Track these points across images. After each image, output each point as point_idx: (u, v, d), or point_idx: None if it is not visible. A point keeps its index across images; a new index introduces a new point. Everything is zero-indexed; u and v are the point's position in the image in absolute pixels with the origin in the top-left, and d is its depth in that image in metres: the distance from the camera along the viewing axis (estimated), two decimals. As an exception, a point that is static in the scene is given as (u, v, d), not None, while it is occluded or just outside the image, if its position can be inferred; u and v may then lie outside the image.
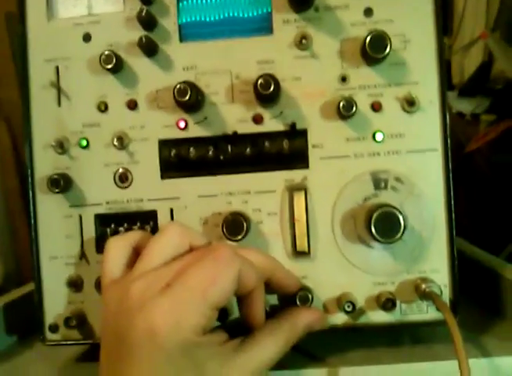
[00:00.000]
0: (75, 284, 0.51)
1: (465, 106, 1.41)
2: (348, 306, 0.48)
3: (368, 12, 0.50)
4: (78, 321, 0.50)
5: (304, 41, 0.50)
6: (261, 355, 0.41)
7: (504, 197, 1.01)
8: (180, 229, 0.43)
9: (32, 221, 0.52)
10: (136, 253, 0.44)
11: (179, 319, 0.37)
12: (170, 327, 0.36)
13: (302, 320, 0.45)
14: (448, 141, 0.50)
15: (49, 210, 0.52)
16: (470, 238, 0.73)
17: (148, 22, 0.50)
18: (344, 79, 0.50)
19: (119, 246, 0.44)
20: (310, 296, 0.48)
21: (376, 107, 0.50)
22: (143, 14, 0.49)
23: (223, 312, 0.48)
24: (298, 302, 0.48)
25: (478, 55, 1.62)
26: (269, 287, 0.46)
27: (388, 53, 0.48)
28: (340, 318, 0.50)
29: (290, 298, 0.48)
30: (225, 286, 0.39)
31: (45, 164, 0.52)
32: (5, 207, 1.19)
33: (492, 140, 1.11)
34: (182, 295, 0.37)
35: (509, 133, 1.09)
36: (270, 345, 0.42)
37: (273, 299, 0.49)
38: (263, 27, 0.51)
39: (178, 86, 0.47)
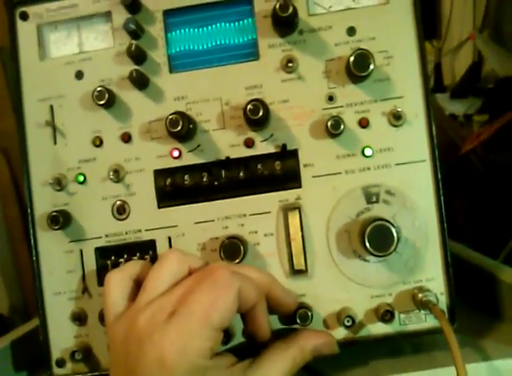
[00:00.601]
0: (79, 318, 0.52)
1: (457, 107, 1.42)
2: (348, 321, 0.49)
3: (351, 31, 0.52)
4: (84, 354, 0.51)
5: (290, 64, 0.51)
6: None
7: (501, 196, 1.01)
8: (178, 255, 0.44)
9: (34, 258, 0.53)
10: (137, 284, 0.45)
11: (186, 345, 0.38)
12: (178, 354, 0.37)
13: (310, 344, 0.46)
14: (436, 152, 0.51)
15: (50, 246, 0.53)
16: (468, 239, 0.74)
17: (138, 56, 0.51)
18: (331, 98, 0.52)
19: (119, 280, 0.45)
20: (310, 314, 0.49)
21: (363, 123, 0.51)
22: (133, 49, 0.50)
23: (226, 335, 0.49)
24: (298, 321, 0.48)
25: (468, 56, 1.64)
26: (268, 305, 0.46)
27: (372, 70, 0.49)
28: (340, 333, 0.50)
29: (290, 317, 0.49)
30: (227, 307, 0.40)
31: (43, 201, 0.53)
32: (7, 237, 1.20)
33: (486, 140, 1.12)
34: (186, 322, 0.39)
35: (502, 132, 1.09)
36: (278, 367, 0.43)
37: (275, 321, 0.50)
38: (249, 52, 0.52)
39: (169, 117, 0.49)
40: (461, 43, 1.65)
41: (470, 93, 1.47)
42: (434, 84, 1.69)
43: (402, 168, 0.51)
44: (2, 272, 1.14)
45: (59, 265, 0.53)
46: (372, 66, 0.49)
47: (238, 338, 0.49)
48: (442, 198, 0.50)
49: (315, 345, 0.46)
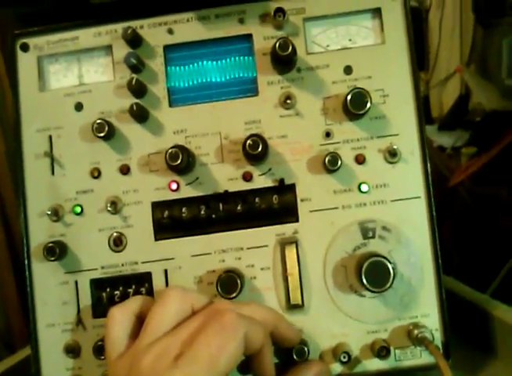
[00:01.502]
0: (72, 351, 0.52)
1: (445, 139, 1.44)
2: (344, 357, 0.49)
3: (347, 70, 0.53)
4: (77, 387, 0.51)
5: (288, 100, 0.52)
6: None
7: (488, 228, 1.03)
8: (181, 293, 0.44)
9: (28, 289, 0.52)
10: (139, 321, 0.44)
11: None
12: None
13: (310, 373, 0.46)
14: (431, 188, 0.52)
15: (45, 277, 0.53)
16: (456, 270, 0.75)
17: (138, 90, 0.52)
18: (328, 134, 0.52)
19: (121, 316, 0.44)
20: (306, 349, 0.49)
21: (360, 160, 0.52)
22: (133, 82, 0.51)
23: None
24: (295, 356, 0.48)
25: (455, 88, 1.68)
26: (272, 340, 0.46)
27: (369, 108, 0.50)
28: (336, 368, 0.50)
29: (286, 352, 0.49)
30: (234, 352, 0.39)
31: (39, 232, 0.53)
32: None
33: (474, 173, 1.13)
34: (193, 366, 0.38)
35: (490, 166, 1.11)
36: None
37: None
38: (249, 89, 0.53)
39: (169, 151, 0.49)
40: (449, 76, 1.69)
41: (458, 126, 1.49)
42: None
43: (397, 204, 0.52)
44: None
45: (53, 296, 0.52)
46: (368, 105, 0.50)
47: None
48: (437, 235, 0.51)
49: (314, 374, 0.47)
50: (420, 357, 0.51)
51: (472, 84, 1.55)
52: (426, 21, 1.80)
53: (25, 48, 0.55)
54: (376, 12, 0.53)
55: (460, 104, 1.59)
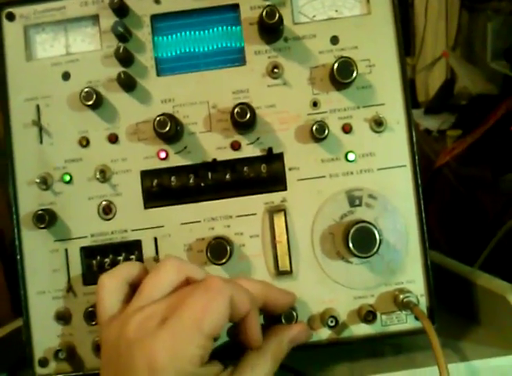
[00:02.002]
0: (63, 317, 0.52)
1: (431, 123, 1.45)
2: (331, 321, 0.50)
3: (334, 40, 0.53)
4: (68, 353, 0.51)
5: (275, 70, 0.53)
6: None
7: (473, 208, 1.04)
8: (177, 263, 0.44)
9: (18, 257, 0.53)
10: (131, 287, 0.45)
11: (177, 351, 0.38)
12: (169, 360, 0.37)
13: (287, 336, 0.47)
14: (416, 157, 0.53)
15: (35, 245, 0.53)
16: (442, 249, 0.76)
17: (125, 58, 0.52)
18: (315, 104, 0.53)
19: (112, 283, 0.45)
20: (294, 314, 0.49)
21: (346, 129, 0.53)
22: (121, 51, 0.51)
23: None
24: (284, 321, 0.49)
25: (441, 73, 1.69)
26: (266, 309, 0.47)
27: (355, 78, 0.51)
28: (324, 333, 0.51)
29: (275, 317, 0.49)
30: (219, 314, 0.40)
31: (29, 200, 0.53)
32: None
33: (459, 154, 1.15)
34: (178, 328, 0.39)
35: (474, 147, 1.12)
36: (260, 368, 0.44)
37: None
38: (236, 58, 0.53)
39: (157, 118, 0.49)
40: (434, 60, 1.70)
41: (444, 109, 1.51)
42: (408, 100, 1.73)
43: (383, 172, 0.52)
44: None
45: (43, 264, 0.52)
46: (355, 74, 0.51)
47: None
48: (422, 202, 0.52)
49: (290, 336, 0.47)
50: (405, 322, 0.52)
51: (458, 69, 1.57)
52: (412, 6, 1.80)
53: (11, 17, 0.54)
54: (363, -17, 0.54)
55: (446, 88, 1.61)
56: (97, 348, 0.51)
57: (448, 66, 1.64)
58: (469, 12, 1.57)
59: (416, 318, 0.50)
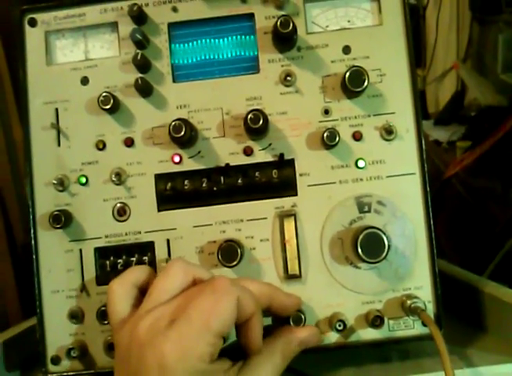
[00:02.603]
0: (76, 316, 0.53)
1: (441, 134, 1.46)
2: (339, 325, 0.51)
3: (346, 49, 0.55)
4: (80, 352, 0.52)
5: (288, 78, 0.54)
6: None
7: (482, 219, 1.04)
8: (184, 265, 0.45)
9: (34, 256, 0.54)
10: (140, 290, 0.46)
11: (186, 349, 0.39)
12: (178, 358, 0.38)
13: (296, 337, 0.48)
14: (425, 165, 0.53)
15: (50, 245, 0.54)
16: (452, 260, 0.76)
17: (143, 65, 0.54)
18: (326, 112, 0.54)
19: (121, 288, 0.46)
20: (303, 317, 0.50)
21: (357, 137, 0.54)
22: (138, 58, 0.52)
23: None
24: (292, 323, 0.50)
25: (451, 84, 1.70)
26: (272, 310, 0.48)
27: (366, 87, 0.52)
28: (332, 337, 0.52)
29: (284, 320, 0.50)
30: (226, 314, 0.41)
31: (46, 201, 0.54)
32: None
33: (468, 165, 1.15)
34: (187, 327, 0.40)
35: (483, 158, 1.13)
36: (268, 365, 0.45)
37: (267, 320, 0.51)
38: (250, 66, 0.55)
39: (173, 123, 0.50)
40: (445, 72, 1.71)
41: (454, 120, 1.51)
42: (418, 110, 1.74)
43: (393, 179, 0.53)
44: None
45: (58, 263, 0.54)
46: (366, 83, 0.52)
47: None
48: (431, 209, 0.53)
49: (300, 337, 0.48)
50: (412, 328, 0.52)
51: (468, 80, 1.58)
52: (423, 18, 1.82)
53: (33, 23, 0.56)
54: (375, -5, 0.55)
55: (456, 99, 1.61)
56: (109, 347, 0.51)
57: (458, 78, 1.65)
58: (480, 24, 1.58)
59: (424, 324, 0.51)
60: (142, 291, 0.46)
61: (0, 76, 1.32)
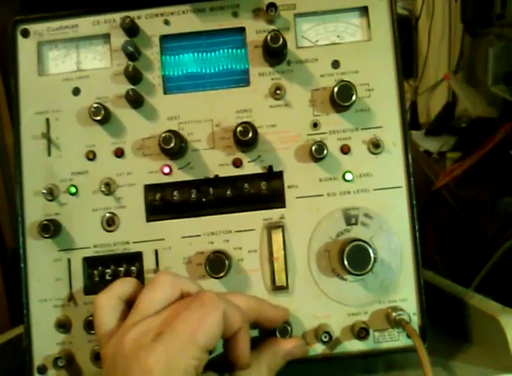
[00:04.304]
0: (63, 326, 0.53)
1: (432, 144, 1.47)
2: (325, 337, 0.51)
3: (335, 64, 0.55)
4: (67, 361, 0.52)
5: (278, 91, 0.55)
6: None
7: (470, 230, 1.05)
8: (171, 278, 0.45)
9: (22, 265, 0.54)
10: (126, 303, 0.46)
11: (172, 362, 0.39)
12: (164, 371, 0.39)
13: (282, 349, 0.48)
14: (412, 179, 0.54)
15: (39, 254, 0.54)
16: (438, 270, 0.77)
17: (134, 76, 0.54)
18: (315, 125, 0.55)
19: (107, 302, 0.46)
20: (289, 328, 0.51)
21: (345, 150, 0.54)
22: (130, 69, 0.53)
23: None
24: (278, 335, 0.50)
25: (443, 95, 1.72)
26: (259, 324, 0.49)
27: (354, 101, 0.53)
28: (317, 348, 0.53)
29: (270, 331, 0.51)
30: (212, 328, 0.41)
31: (35, 210, 0.54)
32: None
33: (458, 177, 1.16)
34: (172, 341, 0.40)
35: (473, 169, 1.14)
36: None
37: (254, 332, 0.51)
38: (241, 79, 0.56)
39: (163, 135, 0.51)
40: (436, 83, 1.73)
41: (444, 131, 1.53)
42: (409, 121, 1.75)
43: (379, 192, 0.54)
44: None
45: (46, 272, 0.54)
46: (354, 97, 0.53)
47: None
48: (416, 223, 0.54)
49: (286, 349, 0.49)
50: (397, 339, 0.53)
51: (459, 92, 1.59)
52: (415, 29, 1.84)
53: (25, 33, 0.56)
54: (364, 11, 0.56)
55: (447, 110, 1.63)
56: (95, 357, 0.52)
57: (449, 89, 1.67)
58: (471, 36, 1.60)
59: (408, 336, 0.51)
60: (129, 304, 0.46)
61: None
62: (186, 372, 0.39)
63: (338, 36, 0.56)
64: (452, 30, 1.72)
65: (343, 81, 0.53)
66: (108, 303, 0.46)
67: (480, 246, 0.98)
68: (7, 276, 1.30)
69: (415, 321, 0.53)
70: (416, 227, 0.53)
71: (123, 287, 0.47)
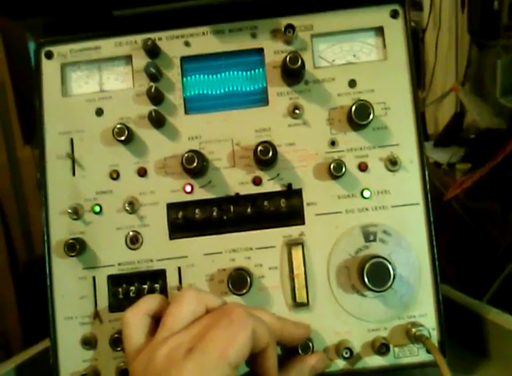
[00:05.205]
0: (89, 343, 0.54)
1: (441, 155, 1.48)
2: (346, 353, 0.52)
3: (352, 83, 0.57)
4: (92, 378, 0.53)
5: (296, 110, 0.56)
6: None
7: (482, 241, 1.06)
8: (196, 294, 0.46)
9: (48, 283, 0.55)
10: (153, 319, 0.47)
11: None
12: None
13: (307, 366, 0.49)
14: (429, 195, 0.55)
15: (64, 272, 0.55)
16: (450, 282, 0.77)
17: (156, 97, 0.55)
18: (333, 143, 0.56)
19: (135, 318, 0.47)
20: (311, 345, 0.51)
21: (362, 167, 0.55)
22: (152, 90, 0.54)
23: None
24: (300, 351, 0.51)
25: (451, 106, 1.73)
26: (281, 342, 0.49)
27: (372, 120, 0.54)
28: (338, 364, 0.53)
29: (292, 348, 0.51)
30: (242, 345, 0.42)
31: (60, 229, 0.56)
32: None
33: (468, 188, 1.17)
34: (204, 358, 0.40)
35: (483, 181, 1.14)
36: None
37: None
38: (260, 99, 0.57)
39: (186, 155, 0.52)
40: (444, 94, 1.74)
41: (453, 142, 1.53)
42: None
43: (397, 209, 0.55)
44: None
45: (72, 290, 0.55)
46: (371, 116, 0.54)
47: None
48: (434, 239, 0.54)
49: (310, 366, 0.50)
50: (417, 355, 0.53)
51: (467, 103, 1.60)
52: (422, 41, 1.85)
53: (49, 55, 0.58)
54: (379, 31, 0.57)
55: (455, 121, 1.64)
56: (121, 374, 0.52)
57: (457, 100, 1.68)
58: (479, 48, 1.61)
59: (428, 351, 0.52)
60: (156, 320, 0.47)
61: (6, 98, 1.35)
62: None
63: (354, 55, 0.57)
64: (459, 42, 1.73)
65: (360, 100, 0.54)
66: (136, 319, 0.47)
67: (492, 258, 0.99)
68: (18, 289, 1.32)
69: (434, 336, 0.53)
70: (434, 243, 0.54)
71: (150, 303, 0.48)
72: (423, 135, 0.57)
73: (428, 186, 0.55)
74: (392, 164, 0.55)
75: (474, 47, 1.64)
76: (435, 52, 1.79)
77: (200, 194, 0.55)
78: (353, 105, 0.54)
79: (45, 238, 0.55)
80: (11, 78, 1.32)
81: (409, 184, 0.55)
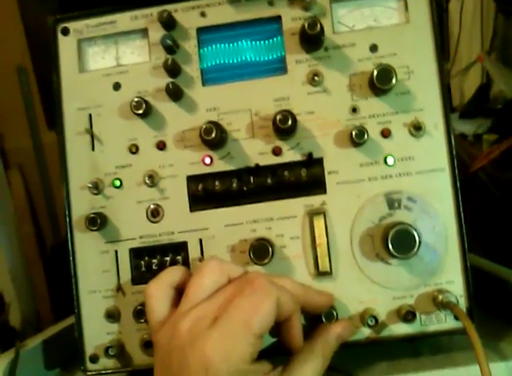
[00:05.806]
0: (113, 316, 0.55)
1: (467, 127, 1.44)
2: (371, 321, 0.52)
3: (373, 48, 0.55)
4: (117, 350, 0.54)
5: (316, 78, 0.54)
6: None
7: (510, 212, 1.03)
8: (218, 264, 0.46)
9: (71, 258, 0.56)
10: (177, 290, 0.47)
11: (229, 350, 0.40)
12: (221, 358, 0.39)
13: (333, 334, 0.49)
14: (455, 160, 0.54)
15: (87, 247, 0.56)
16: (477, 254, 0.76)
17: (173, 70, 0.55)
18: (354, 110, 0.55)
19: (158, 290, 0.47)
20: (335, 313, 0.51)
21: (385, 134, 0.54)
22: (169, 63, 0.54)
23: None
24: (324, 319, 0.51)
25: (476, 77, 1.68)
26: (305, 309, 0.49)
27: (394, 84, 0.52)
28: (363, 332, 0.53)
29: (316, 317, 0.51)
30: (267, 314, 0.42)
31: (81, 204, 0.56)
32: (22, 254, 1.23)
33: (496, 159, 1.14)
34: (228, 328, 0.40)
35: (511, 152, 1.12)
36: (310, 366, 0.45)
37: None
38: (278, 67, 0.56)
39: (204, 126, 0.52)
40: (470, 65, 1.69)
41: (479, 113, 1.50)
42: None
43: (422, 176, 0.54)
44: (16, 287, 1.17)
45: (94, 264, 0.55)
46: (394, 80, 0.52)
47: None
48: (461, 204, 0.53)
49: (336, 333, 0.49)
50: (444, 322, 0.52)
51: (493, 73, 1.56)
52: (446, 11, 1.80)
53: (66, 32, 0.58)
54: (401, -7, 0.55)
55: (481, 92, 1.59)
56: (145, 345, 0.53)
57: (483, 71, 1.63)
58: (504, 15, 1.56)
59: (456, 318, 0.51)
60: (179, 291, 0.47)
61: (28, 84, 1.36)
62: (244, 359, 0.40)
63: (375, 20, 0.56)
64: (485, 10, 1.67)
65: (382, 64, 0.52)
66: (159, 291, 0.47)
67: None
68: (48, 271, 1.34)
69: (462, 303, 0.52)
70: (461, 209, 0.53)
71: (172, 274, 0.48)
72: (448, 98, 0.55)
73: (454, 151, 0.54)
74: (416, 129, 0.54)
75: (499, 15, 1.59)
76: (459, 21, 1.74)
77: (220, 166, 0.55)
78: (375, 69, 0.52)
79: (67, 213, 0.56)
80: (33, 64, 1.34)
81: (435, 149, 0.54)
